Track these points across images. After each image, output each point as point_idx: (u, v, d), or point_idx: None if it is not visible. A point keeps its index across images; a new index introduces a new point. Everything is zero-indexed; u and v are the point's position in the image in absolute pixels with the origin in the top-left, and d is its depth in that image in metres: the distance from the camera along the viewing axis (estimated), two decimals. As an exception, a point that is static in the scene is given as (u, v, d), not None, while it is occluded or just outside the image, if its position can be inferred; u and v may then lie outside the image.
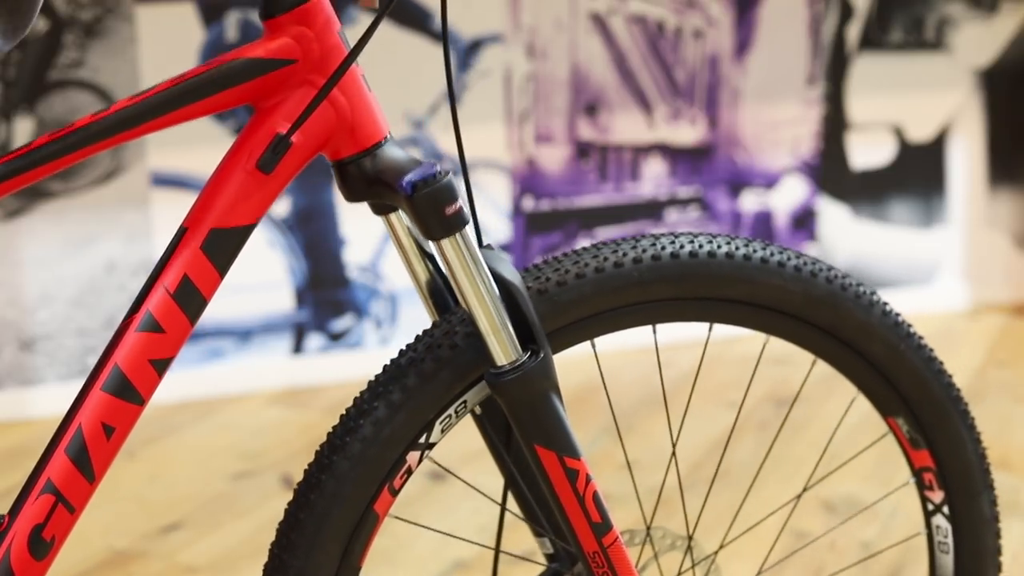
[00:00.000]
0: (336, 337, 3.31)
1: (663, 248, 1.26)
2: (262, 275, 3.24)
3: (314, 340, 3.29)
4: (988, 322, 3.56)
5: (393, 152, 1.18)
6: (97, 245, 3.12)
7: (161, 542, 2.47)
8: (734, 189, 3.53)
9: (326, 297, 3.30)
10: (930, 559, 1.45)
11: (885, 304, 1.35)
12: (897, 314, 1.36)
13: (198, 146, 3.13)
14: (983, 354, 3.31)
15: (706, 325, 1.33)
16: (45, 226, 3.09)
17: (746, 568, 1.74)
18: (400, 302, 3.34)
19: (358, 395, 1.23)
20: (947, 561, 1.43)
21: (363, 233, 3.29)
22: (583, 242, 3.43)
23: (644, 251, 1.26)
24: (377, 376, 1.23)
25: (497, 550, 1.35)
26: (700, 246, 1.27)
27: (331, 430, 1.22)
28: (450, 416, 1.23)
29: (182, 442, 2.91)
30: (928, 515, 1.43)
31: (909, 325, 1.37)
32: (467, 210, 1.17)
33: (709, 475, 1.53)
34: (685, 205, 3.51)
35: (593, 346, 1.29)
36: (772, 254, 1.30)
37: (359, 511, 1.21)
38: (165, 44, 3.11)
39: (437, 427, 1.22)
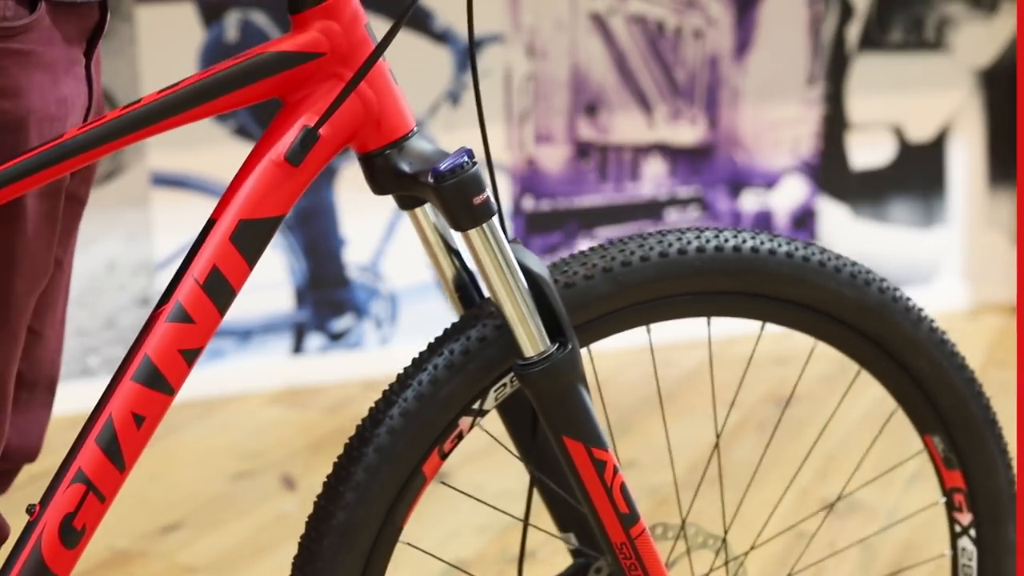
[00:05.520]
0: (336, 337, 3.31)
1: (726, 240, 1.27)
2: (262, 275, 3.22)
3: (314, 340, 3.29)
4: (988, 322, 3.56)
5: (420, 144, 1.18)
6: (97, 245, 3.12)
7: (161, 542, 2.47)
8: (734, 189, 3.53)
9: (326, 297, 3.30)
10: None
11: (933, 321, 1.35)
12: (943, 332, 1.36)
13: (198, 146, 3.13)
14: (983, 354, 3.30)
15: (724, 324, 1.33)
16: (45, 226, 3.08)
17: (755, 569, 1.74)
18: (400, 302, 3.33)
19: (417, 355, 1.23)
20: None
21: (363, 233, 3.29)
22: (583, 242, 3.44)
23: (708, 241, 1.26)
24: (437, 337, 1.23)
25: (526, 523, 1.35)
26: (761, 243, 1.28)
27: (387, 387, 1.22)
28: (505, 384, 1.23)
29: (182, 442, 2.91)
30: (955, 537, 1.43)
31: (953, 344, 1.36)
32: (494, 201, 1.17)
33: (709, 475, 1.52)
34: (685, 205, 3.51)
35: (648, 332, 1.30)
36: (829, 259, 1.30)
37: (408, 470, 1.21)
38: (165, 44, 3.11)
39: (492, 394, 1.23)
